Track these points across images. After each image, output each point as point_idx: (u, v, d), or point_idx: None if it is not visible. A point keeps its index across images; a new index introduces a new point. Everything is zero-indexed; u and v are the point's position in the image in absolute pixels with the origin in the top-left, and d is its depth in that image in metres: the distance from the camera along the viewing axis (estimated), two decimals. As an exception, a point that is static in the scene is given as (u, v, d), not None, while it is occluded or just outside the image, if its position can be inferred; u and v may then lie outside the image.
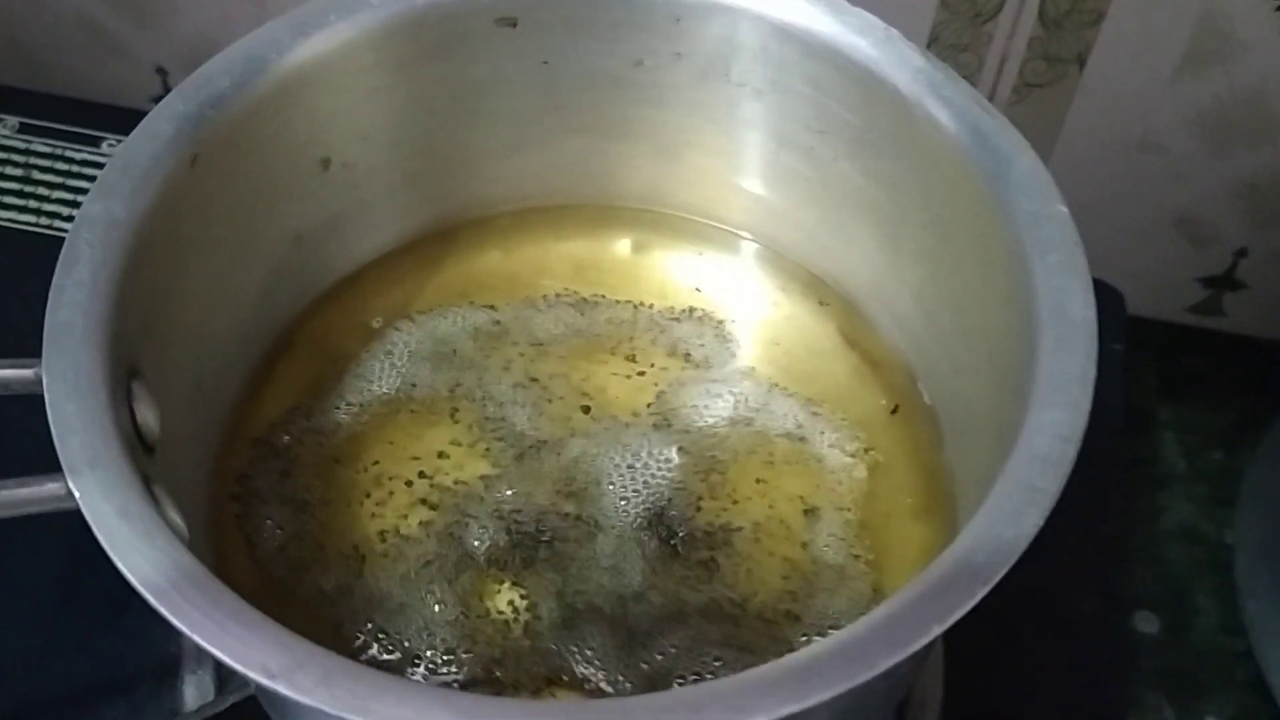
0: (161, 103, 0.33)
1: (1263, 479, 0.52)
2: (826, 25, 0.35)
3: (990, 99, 0.54)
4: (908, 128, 0.35)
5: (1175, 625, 0.50)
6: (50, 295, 0.29)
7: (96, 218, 0.30)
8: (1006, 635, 0.45)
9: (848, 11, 0.35)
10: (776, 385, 0.40)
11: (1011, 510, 0.26)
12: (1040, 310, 0.30)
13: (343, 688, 0.24)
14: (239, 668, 0.24)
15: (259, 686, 0.28)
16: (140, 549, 0.25)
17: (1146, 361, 0.59)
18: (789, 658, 0.25)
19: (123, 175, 0.31)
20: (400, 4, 0.36)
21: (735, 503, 0.37)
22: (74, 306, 0.29)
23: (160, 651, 0.41)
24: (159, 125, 0.32)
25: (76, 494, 0.26)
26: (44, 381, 0.28)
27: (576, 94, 0.39)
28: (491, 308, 0.41)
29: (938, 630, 0.25)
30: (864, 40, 0.35)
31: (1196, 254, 0.59)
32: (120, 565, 0.25)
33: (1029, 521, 0.26)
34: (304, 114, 0.36)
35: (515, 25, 0.37)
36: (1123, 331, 0.53)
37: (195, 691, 0.40)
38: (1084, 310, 0.29)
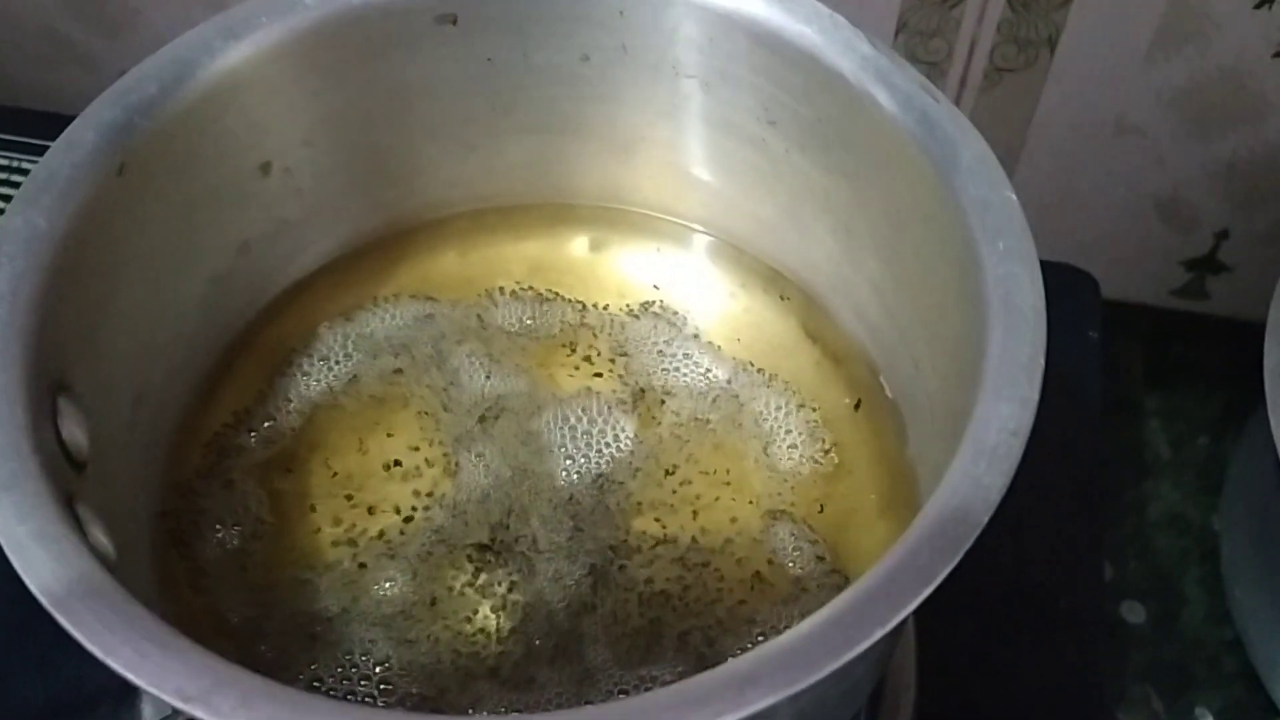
0: (85, 111, 0.32)
1: (1248, 465, 0.51)
2: (771, 13, 0.34)
3: (961, 85, 0.53)
4: (857, 116, 0.34)
5: (1163, 615, 0.50)
6: (-32, 309, 0.29)
7: (16, 230, 0.30)
8: (988, 628, 0.44)
9: (793, -1, 0.34)
10: (736, 382, 0.39)
11: (959, 506, 0.25)
12: (990, 298, 0.29)
13: (262, 711, 0.23)
14: (154, 691, 0.23)
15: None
16: (55, 572, 0.25)
17: (1132, 349, 0.58)
18: (729, 664, 0.24)
19: (44, 187, 0.30)
20: (336, 4, 0.35)
21: (694, 505, 0.36)
22: (-8, 322, 0.28)
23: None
24: (82, 134, 0.31)
25: (-10, 516, 0.25)
26: (-41, 399, 0.27)
27: (524, 92, 0.39)
28: (445, 305, 0.40)
29: (880, 633, 0.24)
30: (809, 28, 0.34)
31: (1177, 237, 0.58)
32: (33, 588, 0.24)
33: (975, 517, 0.25)
34: (239, 119, 0.35)
35: (455, 23, 0.36)
36: (1099, 318, 0.52)
37: (153, 710, 0.39)
38: (1032, 299, 0.28)
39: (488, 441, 0.37)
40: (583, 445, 0.37)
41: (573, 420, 0.37)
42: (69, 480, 0.28)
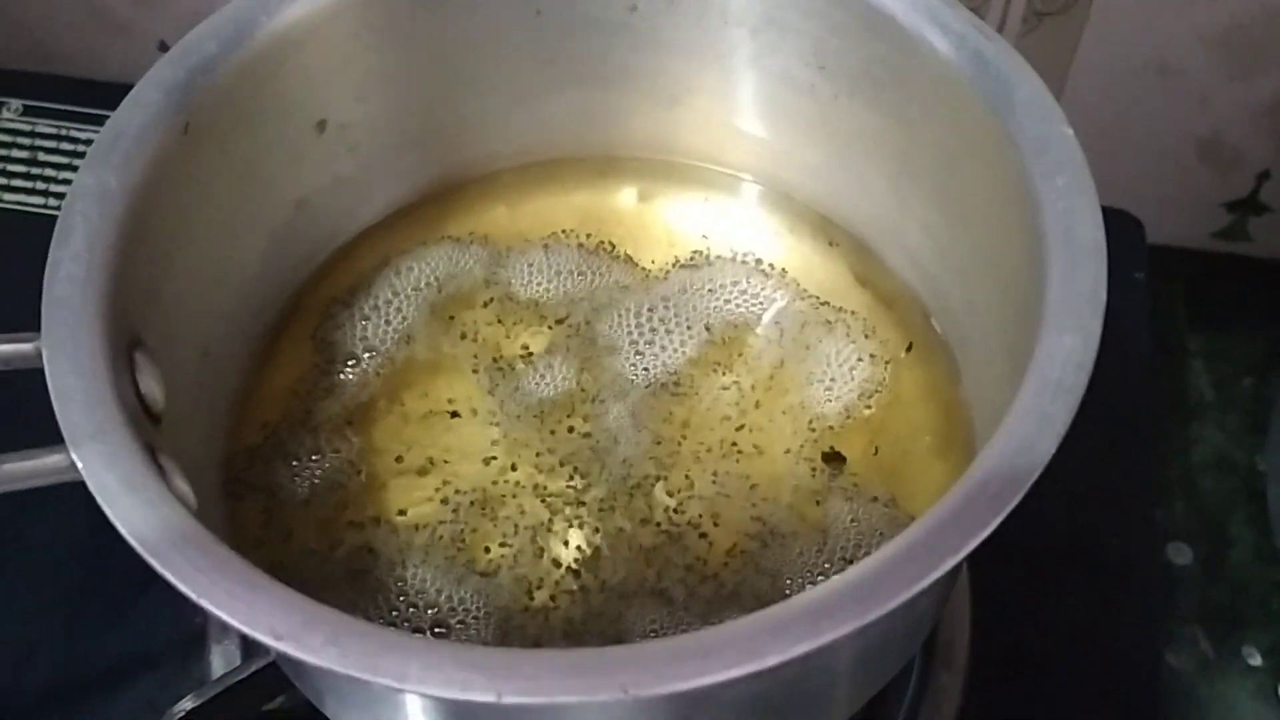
0: (150, 71, 0.32)
1: (1294, 404, 0.51)
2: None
3: (1000, 29, 0.53)
4: (908, 58, 0.34)
5: (1210, 556, 0.50)
6: (47, 269, 0.29)
7: (90, 189, 0.30)
8: (1037, 572, 0.45)
9: (842, -58, 0.34)
10: (785, 326, 0.39)
11: (1025, 438, 0.26)
12: (1049, 234, 0.29)
13: (350, 646, 0.24)
14: (247, 630, 0.24)
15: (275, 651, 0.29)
16: (146, 518, 0.25)
17: (1174, 292, 0.58)
18: (800, 597, 0.24)
19: (114, 146, 0.31)
20: (388, -41, 0.35)
21: (750, 449, 0.37)
22: (71, 280, 0.29)
23: (186, 623, 0.41)
24: (148, 94, 0.32)
25: (80, 465, 0.26)
26: (44, 355, 0.28)
27: (572, 44, 0.39)
28: (499, 251, 0.41)
29: (951, 562, 0.24)
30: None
31: (1219, 178, 0.58)
32: (126, 534, 0.25)
33: (1043, 448, 0.26)
34: (296, 76, 0.35)
35: (506, -25, 0.37)
36: (1145, 259, 0.52)
37: (221, 660, 0.40)
38: (1093, 231, 0.28)
39: (545, 387, 0.38)
40: (643, 386, 0.38)
41: (628, 375, 0.38)
42: (149, 432, 0.29)
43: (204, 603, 0.24)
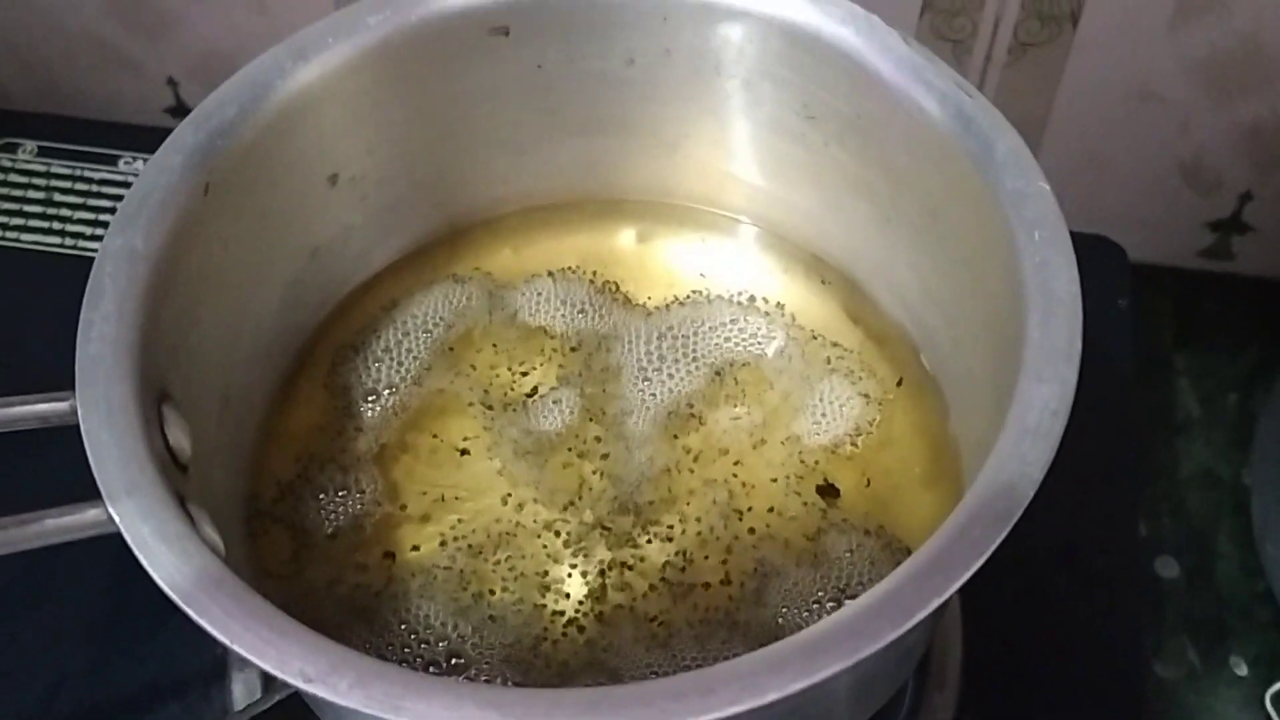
0: (171, 135, 0.34)
1: (1277, 420, 0.52)
2: (810, 16, 0.36)
3: (986, 61, 0.55)
4: (894, 112, 0.35)
5: (1196, 569, 0.51)
6: (79, 329, 0.31)
7: (118, 251, 0.32)
8: (1027, 589, 0.46)
9: (830, 1, 0.36)
10: (780, 360, 0.41)
11: (1005, 482, 0.28)
12: (1028, 285, 0.31)
13: (377, 688, 0.25)
14: (279, 674, 0.26)
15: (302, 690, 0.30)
16: (180, 568, 0.27)
17: (1161, 310, 0.59)
18: (798, 635, 0.26)
19: (140, 208, 0.33)
20: (395, 22, 0.37)
21: (741, 481, 0.38)
22: (102, 340, 0.30)
23: (209, 654, 0.43)
24: (170, 158, 0.34)
25: (117, 519, 0.28)
26: (79, 413, 0.29)
27: (572, 95, 0.40)
28: (504, 288, 0.43)
29: (938, 601, 0.26)
30: (847, 29, 0.36)
31: (1202, 200, 0.59)
32: (162, 585, 0.27)
33: (1022, 491, 0.27)
34: (309, 134, 0.37)
35: (508, 34, 0.38)
36: (1128, 287, 0.53)
37: (243, 690, 0.42)
38: (1068, 285, 0.30)
39: (558, 426, 0.39)
40: (645, 421, 0.39)
41: (627, 413, 0.40)
42: (178, 482, 0.30)
43: (237, 648, 0.26)
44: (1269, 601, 0.49)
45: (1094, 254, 0.53)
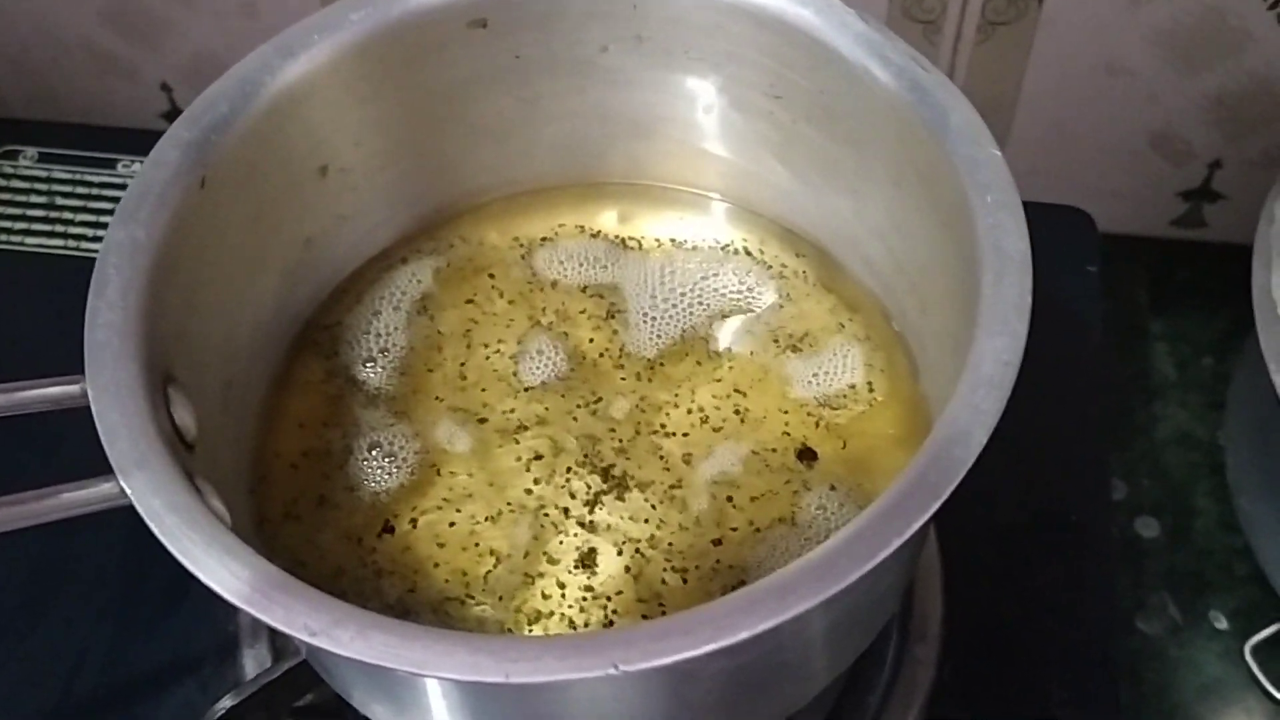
0: (167, 132, 0.36)
1: (1248, 382, 0.53)
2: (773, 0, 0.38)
3: (956, 39, 0.56)
4: (855, 88, 0.37)
5: (1176, 528, 0.52)
6: (86, 316, 0.33)
7: (120, 243, 0.34)
8: (1007, 548, 0.48)
9: (790, -17, 0.38)
10: (756, 329, 0.42)
11: (960, 430, 0.29)
12: (982, 245, 0.32)
13: (375, 639, 0.27)
14: (286, 629, 0.27)
15: (307, 648, 0.32)
16: (190, 536, 0.29)
17: (1136, 278, 0.61)
18: (768, 579, 0.28)
19: (139, 202, 0.34)
20: (377, 18, 0.38)
21: (724, 444, 0.40)
22: (109, 326, 0.32)
23: (220, 630, 0.44)
24: (167, 153, 0.35)
25: (129, 492, 0.30)
26: (89, 394, 0.31)
27: (550, 83, 0.42)
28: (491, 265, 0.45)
29: (898, 542, 0.28)
30: (807, 10, 0.37)
31: (1173, 170, 0.60)
32: (173, 550, 0.28)
33: (977, 438, 0.29)
34: (299, 128, 0.39)
35: (486, 26, 0.40)
36: (1097, 252, 0.55)
37: (254, 664, 0.43)
38: (1018, 243, 0.32)
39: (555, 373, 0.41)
40: (630, 386, 0.41)
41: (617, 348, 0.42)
42: (185, 459, 0.32)
43: (246, 607, 0.28)
44: (1246, 556, 0.50)
45: (1062, 222, 0.55)
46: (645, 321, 0.43)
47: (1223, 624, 0.50)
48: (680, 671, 0.28)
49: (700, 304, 0.43)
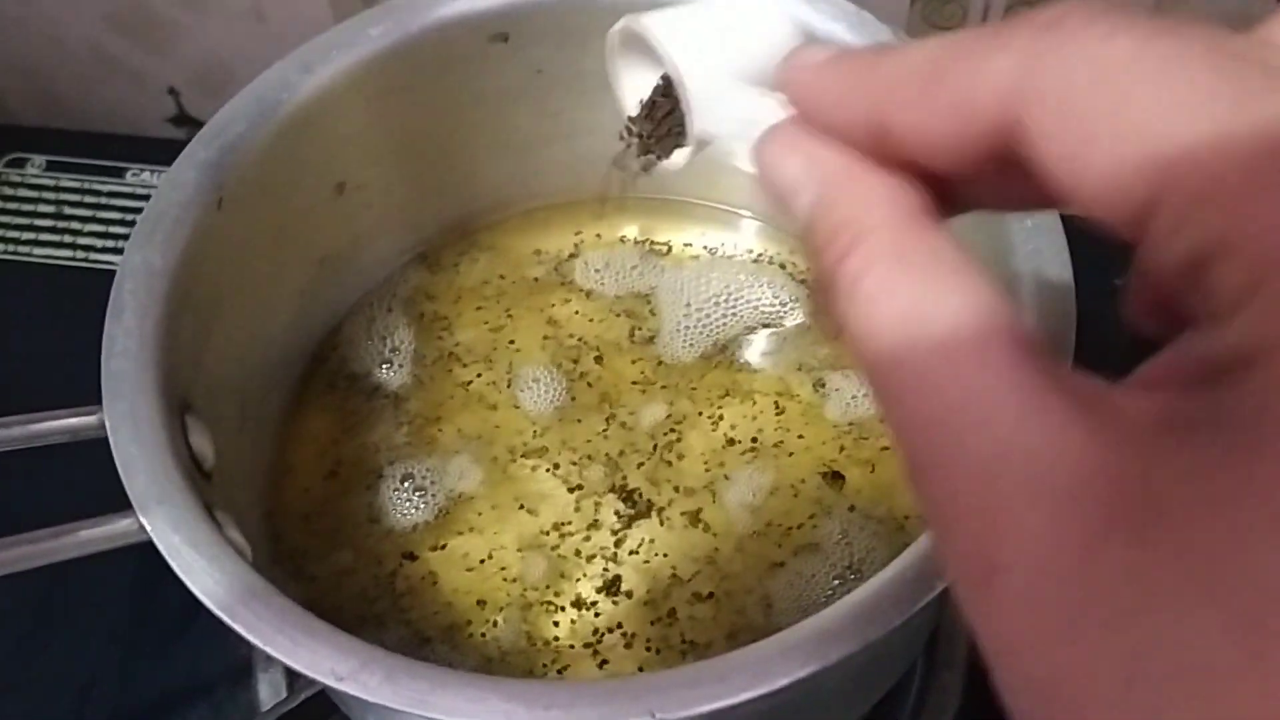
0: (184, 152, 0.35)
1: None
2: (802, 13, 0.37)
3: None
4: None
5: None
6: (103, 344, 0.32)
7: (137, 268, 0.33)
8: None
9: (821, -1, 0.37)
10: (785, 349, 0.42)
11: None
12: (1021, 273, 0.31)
13: (405, 684, 0.26)
14: (311, 674, 0.27)
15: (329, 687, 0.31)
16: (211, 574, 0.28)
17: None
18: (806, 622, 0.27)
19: (156, 224, 0.33)
20: (397, 33, 0.38)
21: (754, 468, 0.39)
22: (125, 354, 0.31)
23: (234, 655, 0.44)
24: (184, 173, 0.34)
25: (149, 529, 0.29)
26: (107, 426, 0.30)
27: (572, 98, 0.41)
28: (499, 293, 0.44)
29: (941, 585, 0.27)
30: (839, 25, 0.36)
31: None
32: (196, 591, 0.28)
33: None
34: (317, 146, 0.38)
35: (507, 40, 0.39)
36: (1122, 265, 0.54)
37: (269, 690, 0.43)
38: (1060, 272, 0.31)
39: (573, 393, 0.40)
40: (654, 411, 0.40)
41: (652, 368, 0.41)
42: (204, 489, 0.31)
43: (271, 650, 0.27)
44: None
45: (1086, 234, 0.54)
46: (678, 332, 0.42)
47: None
48: (713, 717, 0.27)
49: (734, 315, 0.42)
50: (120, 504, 0.30)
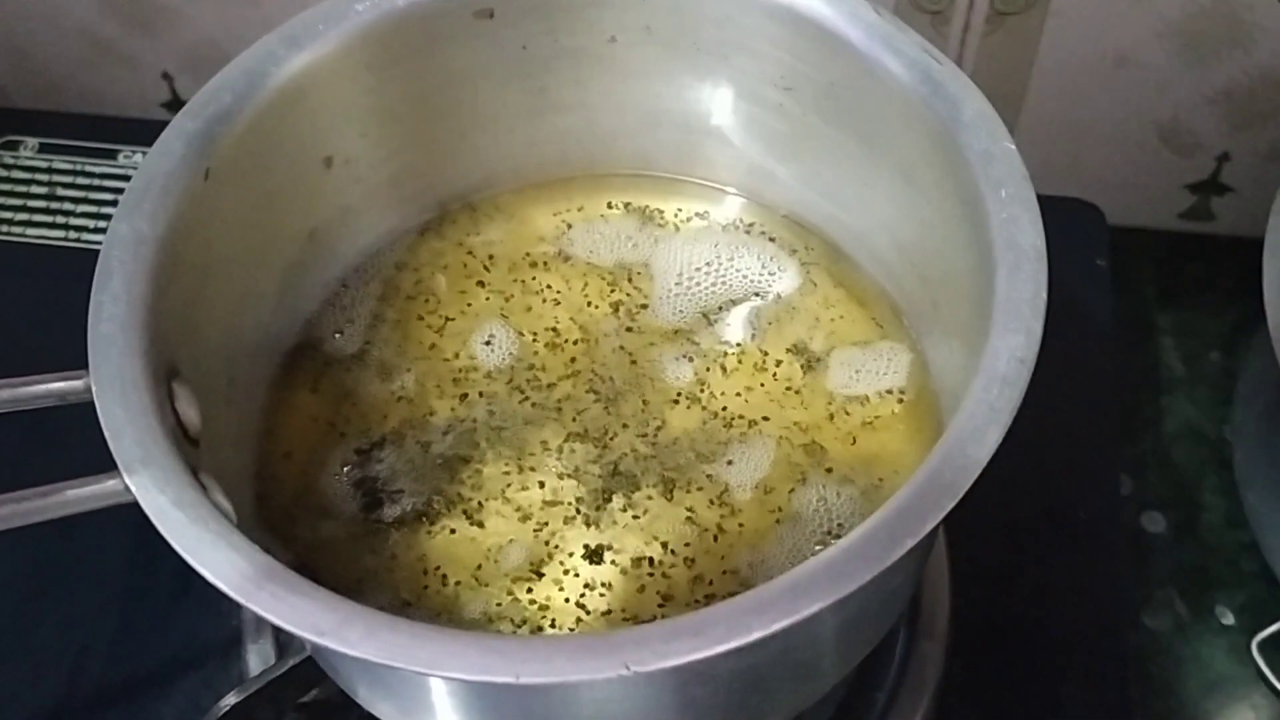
0: (171, 123, 0.35)
1: (1257, 374, 0.53)
2: (786, -11, 0.37)
3: (964, 30, 0.56)
4: (866, 80, 0.37)
5: (1182, 523, 0.52)
6: (90, 311, 0.32)
7: (124, 236, 0.33)
8: (1016, 543, 0.47)
9: (802, -26, 0.37)
10: (763, 323, 0.42)
11: (975, 429, 0.29)
12: (995, 241, 0.32)
13: (385, 639, 0.27)
14: (294, 630, 0.27)
15: (313, 646, 0.32)
16: (195, 534, 0.28)
17: (1144, 272, 0.60)
18: (780, 579, 0.27)
19: (144, 194, 0.34)
20: (384, 7, 0.38)
21: (733, 438, 0.40)
22: (112, 320, 0.32)
23: (224, 625, 0.44)
24: (171, 144, 0.35)
25: (133, 489, 0.29)
26: (93, 390, 0.31)
27: (557, 74, 0.42)
28: (486, 268, 0.44)
29: (911, 543, 0.27)
30: (818, 1, 0.37)
31: (1181, 162, 0.60)
32: (178, 548, 0.28)
33: (991, 437, 0.29)
34: (304, 119, 0.38)
35: (493, 16, 0.39)
36: (1106, 246, 0.54)
37: (258, 659, 0.43)
38: (1033, 238, 0.31)
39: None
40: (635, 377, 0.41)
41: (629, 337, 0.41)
42: (189, 454, 0.32)
43: (252, 605, 0.27)
44: (1253, 552, 0.50)
45: (1072, 215, 0.55)
46: (667, 300, 0.42)
47: (1229, 619, 0.49)
48: (691, 672, 0.28)
49: (723, 284, 0.43)
50: (108, 468, 0.30)
